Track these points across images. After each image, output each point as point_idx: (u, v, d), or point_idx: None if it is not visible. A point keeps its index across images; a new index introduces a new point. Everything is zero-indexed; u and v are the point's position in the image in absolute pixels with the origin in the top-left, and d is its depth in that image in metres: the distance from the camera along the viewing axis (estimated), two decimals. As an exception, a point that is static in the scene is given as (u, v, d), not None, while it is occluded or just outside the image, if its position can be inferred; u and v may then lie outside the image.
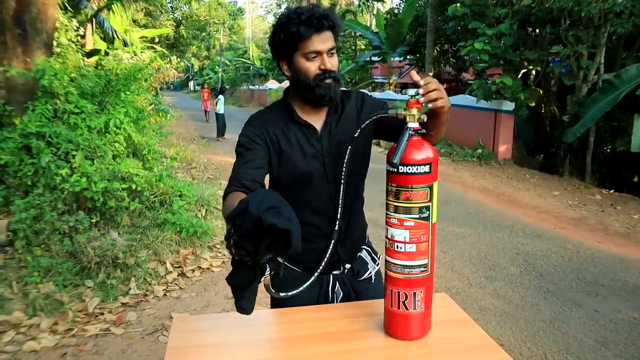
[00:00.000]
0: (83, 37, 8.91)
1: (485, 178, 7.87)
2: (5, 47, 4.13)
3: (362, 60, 17.01)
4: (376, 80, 19.09)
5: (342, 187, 1.33)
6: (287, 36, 1.27)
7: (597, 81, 7.96)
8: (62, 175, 3.64)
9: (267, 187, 1.32)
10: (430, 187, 1.09)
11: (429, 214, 1.10)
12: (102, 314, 3.06)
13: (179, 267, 3.83)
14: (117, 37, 11.91)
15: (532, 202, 6.34)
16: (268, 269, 1.03)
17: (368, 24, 21.84)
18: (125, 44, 12.08)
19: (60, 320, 2.90)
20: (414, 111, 1.11)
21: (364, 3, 22.19)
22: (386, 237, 1.14)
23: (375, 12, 19.53)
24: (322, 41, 1.27)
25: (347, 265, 1.48)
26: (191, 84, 51.26)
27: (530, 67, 9.19)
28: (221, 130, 12.40)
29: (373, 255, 1.54)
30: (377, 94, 14.36)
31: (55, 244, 3.49)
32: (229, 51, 41.34)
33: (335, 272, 1.46)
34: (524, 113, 9.37)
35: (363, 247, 1.53)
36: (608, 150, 8.91)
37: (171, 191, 4.43)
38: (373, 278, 1.51)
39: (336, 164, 1.34)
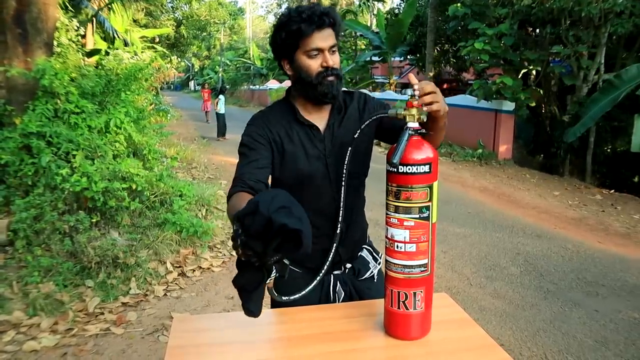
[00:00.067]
0: (83, 36, 8.90)
1: (486, 178, 7.87)
2: (5, 47, 4.13)
3: (362, 60, 17.01)
4: (376, 80, 19.09)
5: (342, 188, 1.32)
6: (289, 34, 1.27)
7: (597, 81, 7.95)
8: (63, 175, 3.64)
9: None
10: (430, 187, 1.09)
11: (429, 214, 1.10)
12: (102, 313, 3.06)
13: (179, 267, 3.83)
14: (118, 36, 11.92)
15: (533, 202, 6.34)
16: (274, 271, 1.02)
17: (368, 24, 21.85)
18: (126, 44, 12.08)
19: (60, 320, 2.90)
20: (414, 111, 1.11)
21: (364, 3, 22.18)
22: (386, 237, 1.14)
23: (375, 12, 19.53)
24: (324, 38, 1.28)
25: (348, 265, 1.48)
26: (192, 83, 51.29)
27: (531, 67, 9.18)
28: (222, 130, 12.39)
29: (374, 254, 1.54)
30: (377, 94, 14.37)
31: (55, 243, 3.49)
32: (230, 51, 41.35)
33: (336, 272, 1.45)
34: (524, 113, 9.37)
35: (364, 246, 1.53)
36: (608, 150, 8.91)
37: (171, 191, 4.43)
38: (375, 277, 1.51)
39: (338, 165, 1.34)
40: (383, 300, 1.19)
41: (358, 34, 18.01)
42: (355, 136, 1.29)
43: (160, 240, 3.88)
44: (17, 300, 3.02)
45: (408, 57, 14.87)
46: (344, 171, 1.31)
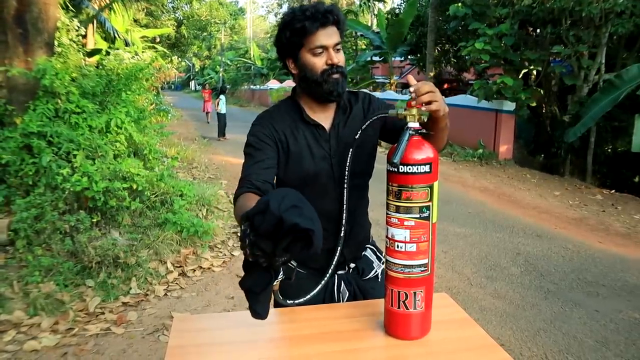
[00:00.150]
0: (84, 36, 8.91)
1: (486, 178, 7.87)
2: (6, 47, 4.14)
3: (363, 60, 17.00)
4: (377, 80, 19.10)
5: (345, 189, 1.31)
6: (293, 32, 1.27)
7: (597, 81, 7.95)
8: (63, 174, 3.65)
9: None
10: (431, 187, 1.09)
11: (429, 214, 1.10)
12: (102, 313, 3.06)
13: (180, 266, 3.83)
14: (119, 36, 11.92)
15: (533, 202, 6.34)
16: (281, 273, 1.00)
17: (369, 24, 21.85)
18: (127, 44, 12.08)
19: (61, 320, 2.90)
20: (414, 111, 1.11)
21: (365, 3, 22.16)
22: (387, 236, 1.14)
23: (376, 12, 19.52)
24: (328, 36, 1.28)
25: (352, 265, 1.47)
26: (192, 83, 51.31)
27: (531, 67, 9.19)
28: (222, 130, 12.40)
29: (378, 254, 1.53)
30: (378, 94, 14.35)
31: (56, 243, 3.49)
32: (230, 51, 41.35)
33: (340, 272, 1.45)
34: (525, 113, 9.37)
35: (367, 246, 1.52)
36: (609, 150, 8.90)
37: (172, 191, 4.43)
38: (379, 277, 1.50)
39: (343, 165, 1.33)
40: (383, 300, 1.19)
41: (358, 34, 18.01)
42: (356, 137, 1.29)
43: (160, 240, 3.89)
44: (17, 300, 3.02)
45: (408, 57, 14.88)
46: (346, 171, 1.30)
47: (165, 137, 6.92)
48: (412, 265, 1.11)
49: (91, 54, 9.31)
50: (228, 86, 28.35)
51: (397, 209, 1.10)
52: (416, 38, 13.75)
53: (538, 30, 9.34)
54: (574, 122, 7.75)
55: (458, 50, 10.42)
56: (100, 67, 5.33)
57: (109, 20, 12.07)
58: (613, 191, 7.10)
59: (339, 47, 1.31)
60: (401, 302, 1.13)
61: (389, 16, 15.38)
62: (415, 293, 1.12)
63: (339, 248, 1.31)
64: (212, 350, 1.15)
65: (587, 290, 3.64)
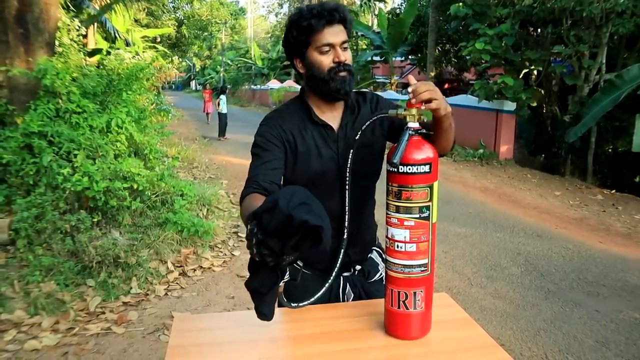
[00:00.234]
0: (85, 36, 8.92)
1: (487, 178, 7.86)
2: (7, 47, 4.14)
3: (363, 60, 17.00)
4: (378, 80, 19.09)
5: (347, 190, 1.31)
6: (300, 31, 1.28)
7: (598, 81, 7.95)
8: (64, 174, 3.65)
9: None
10: (431, 187, 1.09)
11: (429, 214, 1.10)
12: (103, 313, 3.07)
13: (180, 266, 3.83)
14: (119, 36, 11.93)
15: (534, 202, 6.33)
16: (287, 274, 0.99)
17: (370, 24, 21.87)
18: (127, 44, 12.09)
19: (61, 319, 2.91)
20: (414, 111, 1.11)
21: (365, 3, 22.18)
22: (386, 236, 1.14)
23: (377, 12, 19.52)
24: (335, 34, 1.28)
25: (358, 267, 1.46)
26: (193, 83, 51.33)
27: (532, 67, 9.18)
28: (223, 130, 12.40)
29: (384, 256, 1.53)
30: (378, 94, 14.35)
31: (56, 243, 3.50)
32: (231, 51, 41.37)
33: (345, 274, 1.44)
34: (526, 113, 9.37)
35: (373, 248, 1.52)
36: (609, 150, 8.90)
37: (173, 191, 4.43)
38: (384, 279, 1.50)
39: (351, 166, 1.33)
40: (383, 300, 1.20)
41: (359, 33, 18.00)
42: (356, 137, 1.29)
43: (161, 240, 3.89)
44: (18, 300, 3.03)
45: (409, 57, 14.88)
46: (347, 172, 1.30)
47: (165, 137, 6.92)
48: (412, 265, 1.11)
49: (92, 53, 9.32)
50: (229, 86, 28.38)
51: (397, 209, 1.10)
52: (417, 38, 13.75)
53: (539, 30, 9.34)
54: (574, 122, 7.74)
55: (459, 50, 10.42)
56: (101, 67, 5.34)
57: (109, 20, 12.08)
58: (614, 191, 7.09)
59: (345, 45, 1.31)
60: (401, 302, 1.13)
61: (390, 16, 15.38)
62: (415, 293, 1.13)
63: (342, 249, 1.31)
64: (212, 350, 1.15)
65: (588, 290, 3.64)
